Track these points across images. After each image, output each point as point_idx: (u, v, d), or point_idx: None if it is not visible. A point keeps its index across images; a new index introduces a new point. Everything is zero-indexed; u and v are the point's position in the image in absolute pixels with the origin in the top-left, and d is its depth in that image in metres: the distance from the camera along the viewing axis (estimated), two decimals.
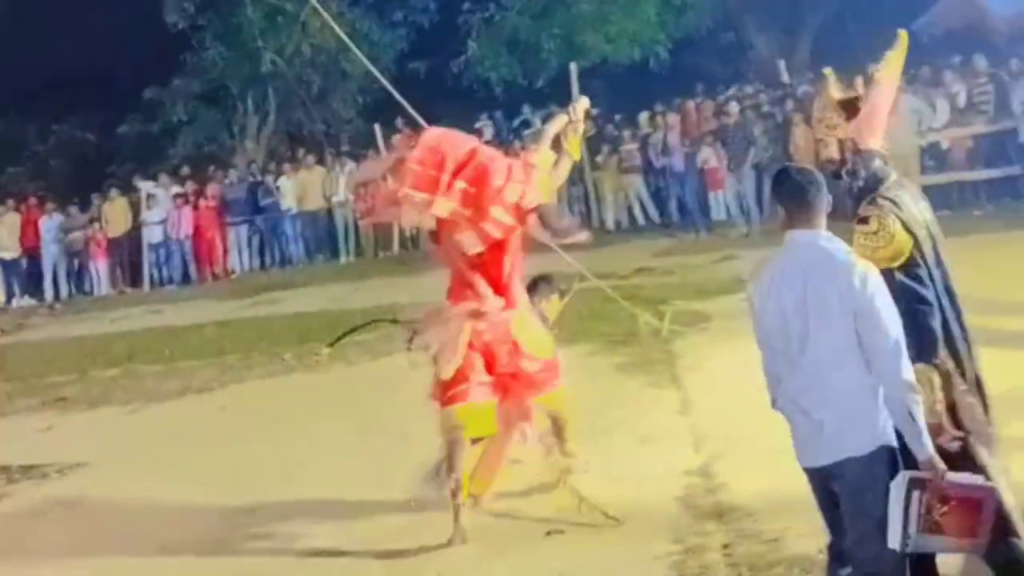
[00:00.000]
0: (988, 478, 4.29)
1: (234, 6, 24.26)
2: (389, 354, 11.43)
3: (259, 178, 22.23)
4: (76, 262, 21.62)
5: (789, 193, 4.32)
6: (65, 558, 7.23)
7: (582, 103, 7.56)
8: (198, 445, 9.36)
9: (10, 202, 22.17)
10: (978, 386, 4.49)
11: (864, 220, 4.42)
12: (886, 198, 4.42)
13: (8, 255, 21.28)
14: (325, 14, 13.44)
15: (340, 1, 22.27)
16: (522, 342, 6.64)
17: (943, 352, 4.38)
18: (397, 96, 10.09)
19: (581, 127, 7.34)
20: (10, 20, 24.05)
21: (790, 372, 4.29)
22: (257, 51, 24.77)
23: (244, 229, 21.33)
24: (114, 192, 22.23)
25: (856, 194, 4.54)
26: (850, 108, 4.61)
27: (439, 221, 6.65)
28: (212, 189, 21.93)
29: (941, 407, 4.30)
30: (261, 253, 21.45)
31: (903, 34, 4.68)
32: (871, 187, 4.51)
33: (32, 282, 21.43)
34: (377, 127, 20.83)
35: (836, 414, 4.18)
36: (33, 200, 22.38)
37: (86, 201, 22.48)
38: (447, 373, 6.44)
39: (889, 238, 4.33)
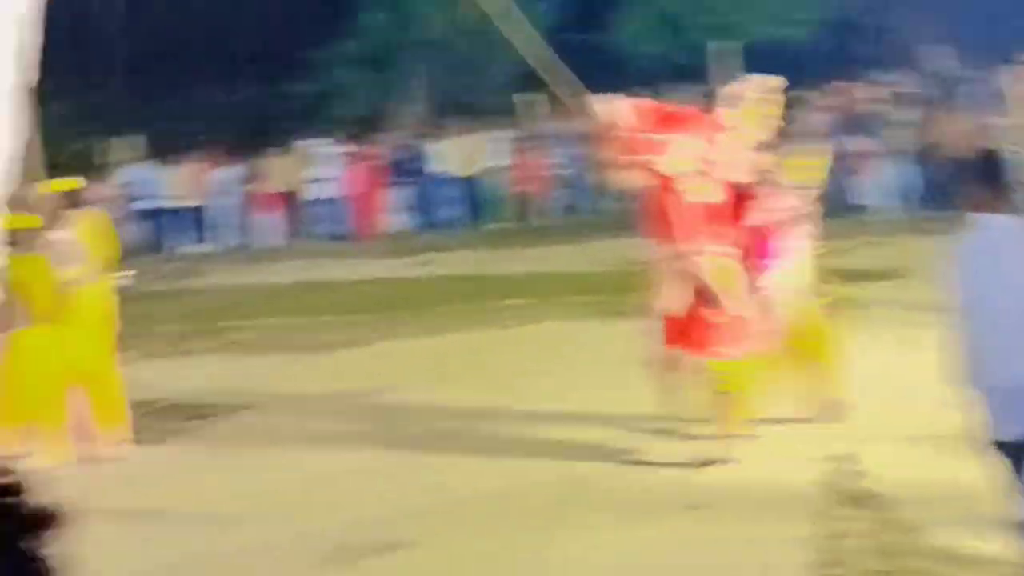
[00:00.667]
0: None
1: None
2: (539, 320, 12.44)
3: (418, 141, 23.08)
4: (246, 213, 22.86)
5: (991, 174, 4.67)
6: (231, 496, 7.80)
7: (772, 81, 7.95)
8: (359, 394, 10.11)
9: (190, 153, 23.49)
10: None
11: None
12: None
13: (185, 203, 22.61)
14: None
15: None
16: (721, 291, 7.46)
17: None
18: (551, 68, 10.45)
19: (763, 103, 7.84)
20: None
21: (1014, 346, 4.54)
22: (416, 17, 25.60)
23: (403, 190, 22.24)
24: (281, 149, 23.31)
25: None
26: None
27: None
28: (372, 150, 22.86)
29: None
30: (417, 215, 22.33)
31: None
32: None
33: (205, 230, 22.74)
34: (525, 97, 21.43)
35: None
36: (210, 152, 23.61)
37: (255, 156, 23.62)
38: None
39: None
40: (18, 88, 9.70)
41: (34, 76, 4.98)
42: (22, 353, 8.32)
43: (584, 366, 10.18)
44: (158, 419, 9.84)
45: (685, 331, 7.58)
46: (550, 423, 8.61)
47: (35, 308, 8.34)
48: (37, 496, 1.03)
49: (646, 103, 7.88)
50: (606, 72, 23.61)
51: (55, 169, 22.54)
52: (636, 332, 8.52)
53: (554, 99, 21.28)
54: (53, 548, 1.02)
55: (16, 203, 8.15)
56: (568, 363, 10.41)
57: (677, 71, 22.77)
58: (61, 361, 8.54)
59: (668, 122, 7.63)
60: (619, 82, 22.90)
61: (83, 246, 8.91)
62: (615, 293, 12.69)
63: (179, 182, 22.78)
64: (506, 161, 21.98)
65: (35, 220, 8.44)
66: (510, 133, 22.55)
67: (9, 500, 1.04)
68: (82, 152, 25.00)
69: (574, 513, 6.87)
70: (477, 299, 13.83)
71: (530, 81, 22.06)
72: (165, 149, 24.97)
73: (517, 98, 21.36)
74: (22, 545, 1.03)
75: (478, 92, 26.47)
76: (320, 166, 22.43)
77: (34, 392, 8.26)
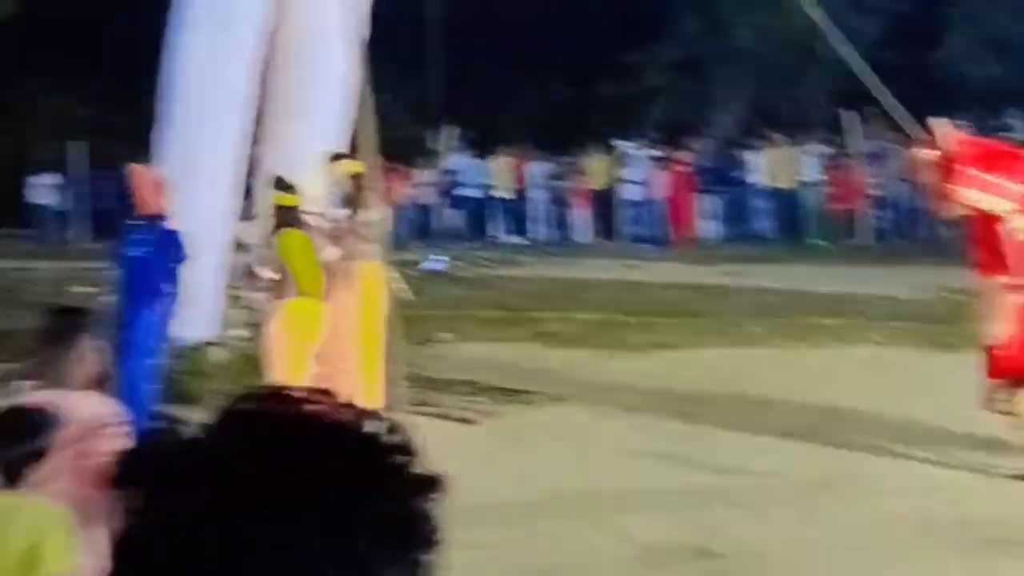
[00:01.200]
0: None
1: None
2: (854, 343, 12.05)
3: (730, 150, 22.90)
4: (559, 208, 23.34)
5: None
6: (538, 480, 7.89)
7: None
8: (667, 398, 9.98)
9: (505, 146, 24.20)
10: None
11: None
12: None
13: (503, 194, 23.30)
14: None
15: None
16: None
17: None
18: (874, 85, 10.10)
19: None
20: None
21: None
22: (731, 26, 25.38)
23: (714, 198, 22.13)
24: (594, 148, 23.63)
25: None
26: None
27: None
28: (685, 156, 22.85)
29: None
30: (728, 224, 22.17)
31: None
32: None
33: (520, 222, 23.38)
34: (848, 113, 20.89)
35: None
36: (524, 146, 24.22)
37: (569, 152, 24.07)
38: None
39: None
40: (347, 78, 10.34)
41: (360, 67, 5.20)
42: (285, 321, 8.70)
43: (912, 396, 9.71)
44: (472, 399, 10.08)
45: (1014, 364, 7.53)
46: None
47: (298, 282, 8.66)
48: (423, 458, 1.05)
49: (976, 140, 7.91)
50: (927, 93, 22.75)
51: (387, 154, 23.76)
52: (961, 364, 8.34)
53: (872, 116, 20.80)
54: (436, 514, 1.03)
55: (279, 183, 8.94)
56: (894, 391, 9.98)
57: (1005, 96, 21.59)
58: (313, 334, 8.79)
59: (996, 161, 7.67)
60: (941, 105, 22.11)
61: (367, 227, 9.21)
62: (937, 322, 12.22)
63: (498, 173, 23.46)
64: (820, 176, 21.50)
65: (294, 199, 8.85)
66: (825, 148, 22.05)
67: (401, 460, 1.04)
68: (413, 139, 26.16)
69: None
70: (790, 315, 13.57)
71: (845, 97, 21.69)
72: (480, 141, 25.82)
73: (843, 113, 20.77)
74: (415, 507, 1.03)
75: (792, 104, 26.01)
76: (634, 168, 22.59)
77: (286, 360, 8.58)
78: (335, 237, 9.04)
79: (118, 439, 3.90)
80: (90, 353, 4.03)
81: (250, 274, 9.14)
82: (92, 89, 29.58)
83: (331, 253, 8.88)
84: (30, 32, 23.32)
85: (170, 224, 8.77)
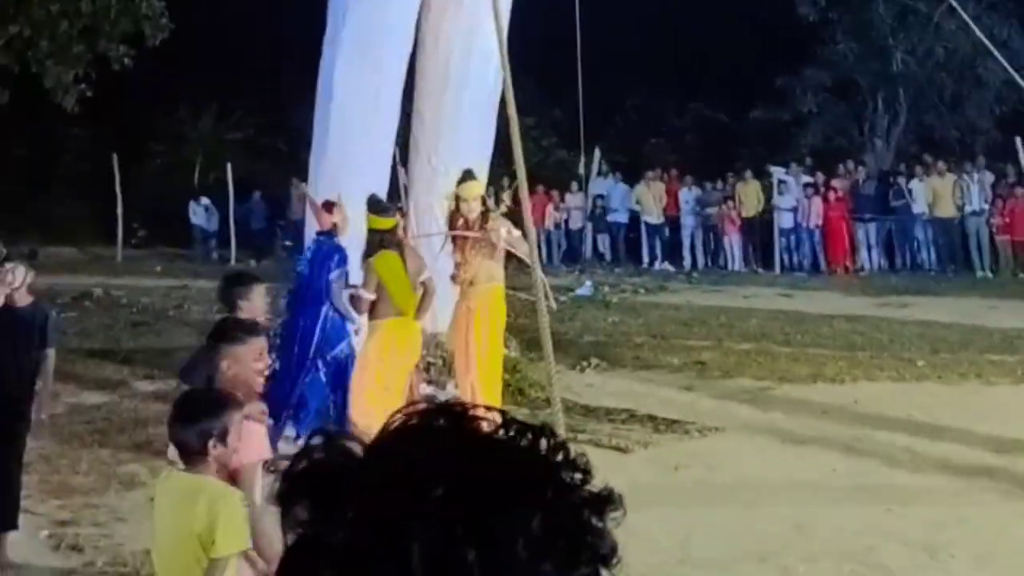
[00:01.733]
0: None
1: (865, 2, 24.38)
2: None
3: (890, 178, 22.19)
4: (711, 236, 22.93)
5: None
6: (694, 508, 7.65)
7: None
8: (830, 430, 9.56)
9: (655, 171, 23.89)
10: None
11: None
12: None
13: (652, 220, 22.99)
14: (964, 14, 12.87)
15: (977, 4, 21.36)
16: None
17: None
18: None
19: None
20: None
21: None
22: (887, 49, 24.72)
23: (873, 227, 21.44)
24: (748, 174, 23.16)
25: None
26: None
27: None
28: (840, 183, 22.22)
29: None
30: (889, 254, 21.45)
31: None
32: None
33: (672, 249, 23.04)
34: (1019, 140, 20.04)
35: None
36: (675, 172, 23.87)
37: (721, 178, 23.65)
38: None
39: None
40: (493, 101, 10.33)
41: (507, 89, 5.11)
42: (381, 340, 8.73)
43: None
44: (628, 427, 9.80)
45: None
46: None
47: (394, 302, 8.70)
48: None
49: None
50: None
51: (533, 178, 23.72)
52: None
53: None
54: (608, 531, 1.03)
55: (374, 206, 8.94)
56: None
57: None
58: (412, 353, 8.99)
59: None
60: None
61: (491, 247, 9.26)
62: None
63: (647, 199, 23.18)
64: (986, 205, 20.64)
65: (390, 222, 8.89)
66: (990, 175, 21.20)
67: (570, 476, 1.03)
68: (561, 163, 26.09)
69: None
70: (962, 349, 12.92)
71: (1012, 121, 20.84)
72: (629, 166, 25.61)
73: (1018, 140, 19.90)
74: (585, 522, 1.02)
75: (954, 130, 25.21)
76: (789, 194, 22.07)
77: (382, 379, 8.58)
78: (463, 252, 9.25)
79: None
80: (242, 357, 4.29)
81: (353, 297, 8.90)
82: (242, 113, 30.35)
83: (428, 274, 8.97)
84: (181, 57, 23.99)
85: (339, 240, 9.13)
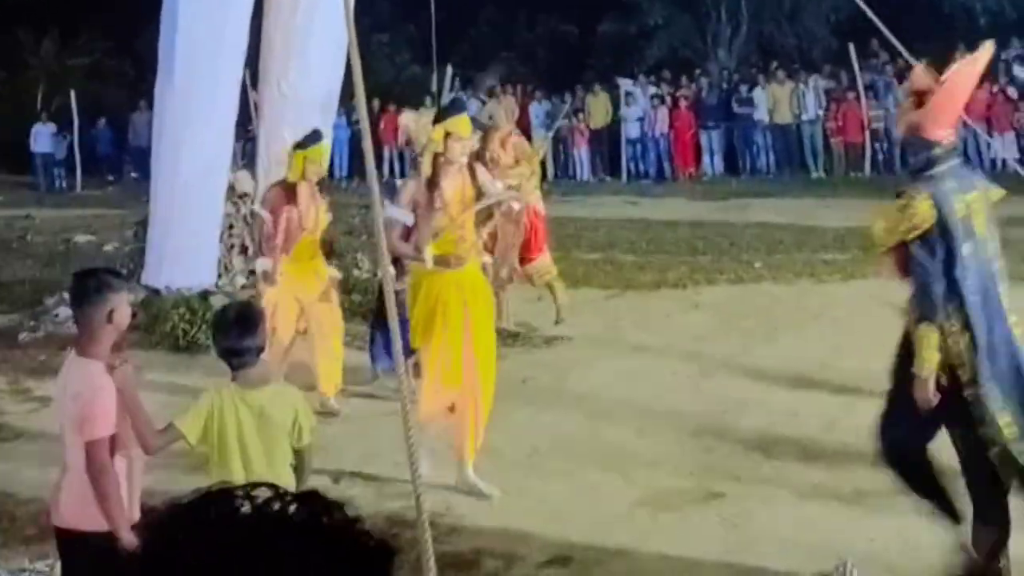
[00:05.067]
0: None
1: None
2: (863, 276, 11.63)
3: (731, 86, 22.75)
4: (561, 148, 23.23)
5: None
6: (541, 417, 7.78)
7: None
8: (672, 336, 9.79)
9: (507, 87, 24.04)
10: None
11: (899, 195, 4.87)
12: (926, 182, 4.83)
13: None
14: None
15: None
16: None
17: (946, 315, 4.77)
18: (872, 16, 9.78)
19: None
20: None
21: None
22: None
23: (716, 134, 22.04)
24: (597, 87, 23.48)
25: (910, 172, 5.12)
26: (921, 98, 4.99)
27: None
28: (685, 92, 22.71)
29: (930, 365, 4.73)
30: (730, 159, 22.09)
31: (988, 45, 5.14)
32: (921, 168, 4.91)
33: None
34: (852, 47, 20.70)
35: None
36: (526, 88, 24.05)
37: (569, 92, 23.92)
38: None
39: (911, 215, 4.74)
40: (340, 20, 10.10)
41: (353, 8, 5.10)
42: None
43: None
44: None
45: None
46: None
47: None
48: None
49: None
50: (931, 25, 22.52)
51: (388, 96, 23.60)
52: None
53: (868, 50, 20.61)
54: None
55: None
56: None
57: (1012, 28, 21.39)
58: None
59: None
60: (946, 37, 21.91)
61: None
62: None
63: (499, 116, 23.27)
64: (821, 111, 21.38)
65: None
66: (826, 82, 21.90)
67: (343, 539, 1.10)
68: (415, 79, 25.98)
69: None
70: (796, 250, 13.51)
71: (847, 29, 21.50)
72: (474, 80, 25.62)
73: (851, 47, 20.52)
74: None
75: (793, 38, 25.85)
76: (636, 105, 22.47)
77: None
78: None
79: None
80: (119, 308, 4.19)
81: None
82: (87, 38, 29.41)
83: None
84: None
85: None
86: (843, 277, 11.96)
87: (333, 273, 8.55)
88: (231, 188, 11.55)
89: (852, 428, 6.73)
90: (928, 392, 4.75)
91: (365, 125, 5.62)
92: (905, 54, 10.06)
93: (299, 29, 11.59)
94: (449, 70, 24.08)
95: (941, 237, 4.78)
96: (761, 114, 21.61)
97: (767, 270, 12.53)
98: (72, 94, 24.77)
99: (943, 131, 4.96)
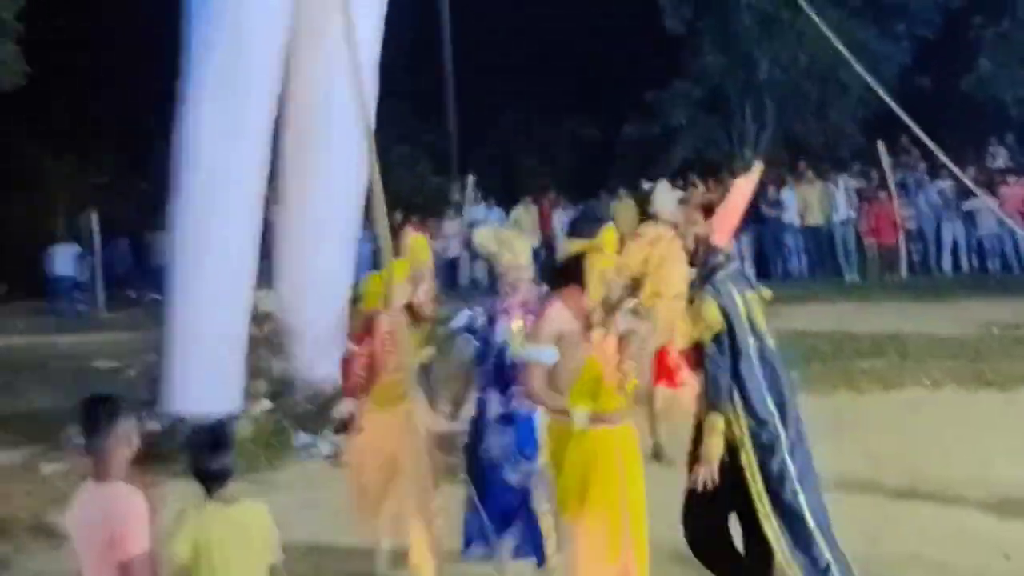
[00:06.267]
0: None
1: (730, 12, 24.68)
2: (901, 386, 11.48)
3: (761, 188, 22.51)
4: None
5: None
6: None
7: None
8: None
9: (528, 197, 23.94)
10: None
11: (691, 300, 5.52)
12: (713, 286, 5.43)
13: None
14: (822, 24, 13.07)
15: (840, 10, 21.81)
16: None
17: (732, 403, 5.36)
18: (900, 112, 9.55)
19: None
20: (514, 16, 25.68)
21: None
22: (753, 59, 25.09)
23: (745, 238, 21.74)
24: (622, 191, 23.28)
25: (699, 279, 5.56)
26: (708, 211, 5.63)
27: None
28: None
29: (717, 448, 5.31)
30: (761, 263, 21.76)
31: (759, 165, 6.12)
32: (707, 275, 5.50)
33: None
34: (880, 144, 20.49)
35: None
36: (550, 195, 23.94)
37: (594, 197, 23.74)
38: None
39: (705, 318, 5.35)
40: (359, 136, 9.84)
41: (372, 120, 5.05)
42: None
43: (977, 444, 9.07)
44: None
45: None
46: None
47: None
48: None
49: None
50: (968, 118, 22.35)
51: (409, 207, 23.52)
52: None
53: (900, 147, 20.38)
54: None
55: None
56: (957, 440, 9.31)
57: None
58: None
59: None
60: (976, 130, 21.72)
61: None
62: (986, 359, 11.78)
63: (521, 223, 23.17)
64: (852, 212, 21.07)
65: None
66: (857, 182, 21.65)
67: None
68: (435, 190, 25.92)
69: None
70: (833, 358, 13.10)
71: (875, 126, 21.32)
72: (502, 189, 25.57)
73: (880, 144, 20.30)
74: None
75: (822, 136, 25.74)
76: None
77: None
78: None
79: None
80: (125, 436, 4.28)
81: None
82: (102, 156, 29.49)
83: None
84: (38, 101, 23.32)
85: None
86: (882, 387, 11.56)
87: (430, 422, 6.59)
88: (254, 309, 11.23)
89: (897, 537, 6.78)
90: (713, 472, 5.30)
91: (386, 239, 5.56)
92: (935, 151, 9.84)
93: (318, 143, 11.40)
94: (471, 179, 24.04)
95: (728, 335, 5.34)
96: (791, 216, 21.29)
97: (803, 382, 12.08)
98: (94, 216, 24.60)
99: (725, 239, 5.59)
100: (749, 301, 5.48)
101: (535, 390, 5.33)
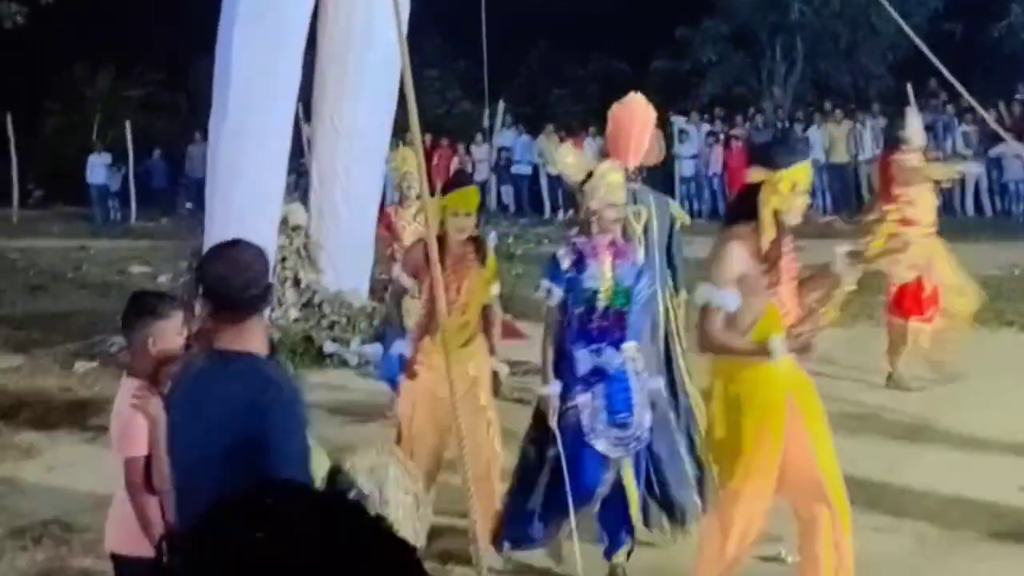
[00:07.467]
0: None
1: None
2: None
3: (786, 124, 22.57)
4: None
5: None
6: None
7: None
8: None
9: (555, 124, 24.06)
10: None
11: None
12: None
13: (554, 171, 23.15)
14: None
15: None
16: None
17: None
18: (930, 55, 9.57)
19: None
20: None
21: None
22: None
23: None
24: None
25: None
26: None
27: None
28: (739, 131, 22.55)
29: None
30: None
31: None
32: None
33: (573, 198, 23.24)
34: (909, 86, 20.45)
35: None
36: (576, 124, 24.07)
37: None
38: None
39: None
40: (393, 57, 10.02)
41: (405, 45, 5.04)
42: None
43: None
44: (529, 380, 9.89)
45: None
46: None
47: None
48: None
49: None
50: (997, 65, 22.27)
51: (439, 131, 23.66)
52: None
53: (927, 89, 20.34)
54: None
55: None
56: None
57: None
58: None
59: None
60: (1004, 76, 21.64)
61: None
62: (1008, 300, 11.90)
63: (549, 150, 23.31)
64: (879, 151, 21.09)
65: None
66: (883, 121, 21.65)
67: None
68: (466, 115, 26.03)
69: None
70: (855, 293, 13.20)
71: (905, 71, 21.26)
72: (532, 117, 25.65)
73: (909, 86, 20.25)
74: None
75: (849, 76, 25.65)
76: (689, 143, 22.37)
77: None
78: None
79: None
80: (161, 336, 4.04)
81: None
82: (140, 70, 29.74)
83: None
84: (78, 15, 23.47)
85: None
86: None
87: (497, 367, 5.94)
88: (284, 220, 11.50)
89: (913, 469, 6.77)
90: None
91: (421, 162, 5.59)
92: (965, 94, 9.92)
93: (352, 64, 11.61)
94: (501, 106, 24.14)
95: None
96: (817, 153, 21.33)
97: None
98: (127, 125, 25.03)
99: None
100: None
101: (718, 337, 4.60)
